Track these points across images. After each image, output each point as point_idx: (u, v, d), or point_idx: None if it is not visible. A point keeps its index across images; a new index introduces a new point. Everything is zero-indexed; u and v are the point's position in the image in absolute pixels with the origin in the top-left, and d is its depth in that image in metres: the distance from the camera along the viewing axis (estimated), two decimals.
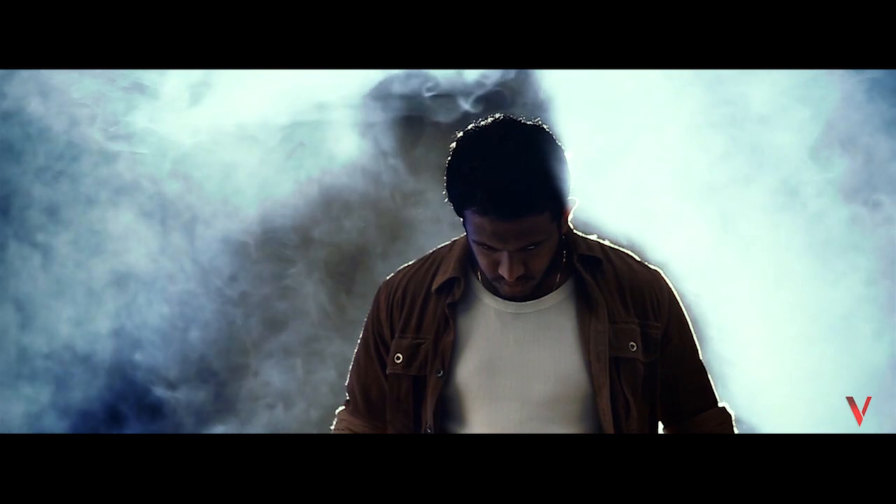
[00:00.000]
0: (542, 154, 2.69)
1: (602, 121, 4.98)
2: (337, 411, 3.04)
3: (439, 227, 5.33)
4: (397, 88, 5.20)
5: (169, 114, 4.92)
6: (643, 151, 5.03)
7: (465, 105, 5.06)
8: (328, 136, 5.34)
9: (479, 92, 5.04)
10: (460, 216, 2.75)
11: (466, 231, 2.76)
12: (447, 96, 5.16)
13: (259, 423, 5.71)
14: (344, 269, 5.79)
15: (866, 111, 4.97)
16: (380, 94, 5.19)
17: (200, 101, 4.91)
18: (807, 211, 4.96)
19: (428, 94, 5.11)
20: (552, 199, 2.68)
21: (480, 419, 2.79)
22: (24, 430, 5.25)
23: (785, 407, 4.79)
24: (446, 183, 2.74)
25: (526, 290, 2.77)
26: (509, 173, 2.65)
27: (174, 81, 4.87)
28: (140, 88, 4.88)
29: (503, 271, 2.71)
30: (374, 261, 5.68)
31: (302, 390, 5.71)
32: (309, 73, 4.67)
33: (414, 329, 2.85)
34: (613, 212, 4.72)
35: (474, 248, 2.75)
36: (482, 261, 2.75)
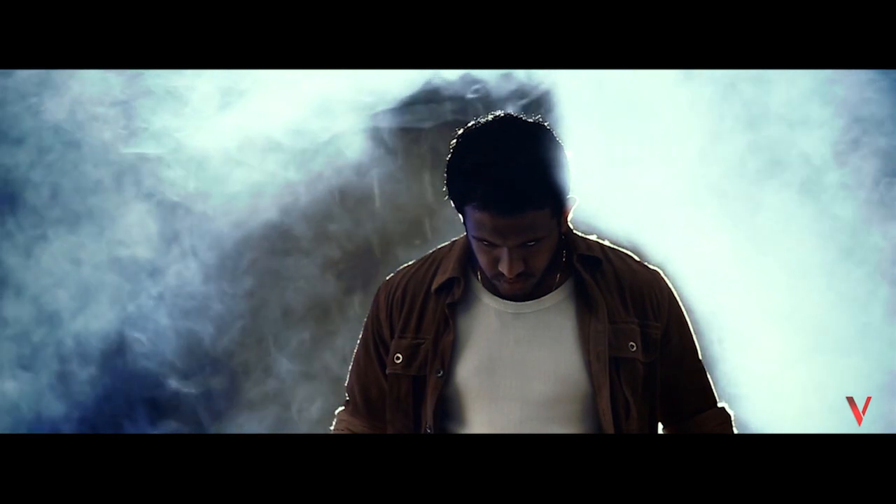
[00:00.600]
0: (543, 151, 2.70)
1: (619, 123, 4.97)
2: (336, 411, 3.04)
3: (454, 226, 5.33)
4: (416, 91, 5.21)
5: (189, 118, 4.94)
6: (660, 154, 5.01)
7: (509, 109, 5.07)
8: (343, 134, 5.35)
9: (533, 95, 5.05)
10: (460, 213, 2.76)
11: (466, 228, 2.76)
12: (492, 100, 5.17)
13: (272, 421, 5.72)
14: (360, 265, 5.79)
15: (889, 111, 4.94)
16: (390, 96, 5.20)
17: (220, 102, 4.93)
18: (826, 212, 4.93)
19: (472, 97, 5.13)
20: (552, 196, 2.69)
21: (480, 419, 2.78)
22: (26, 425, 5.27)
23: (797, 412, 4.76)
24: (447, 179, 2.75)
25: (526, 287, 2.76)
26: (510, 169, 2.65)
27: (194, 83, 4.89)
28: (152, 87, 4.90)
29: (503, 268, 2.71)
30: (390, 258, 5.68)
31: (317, 388, 5.71)
32: (322, 74, 4.68)
33: (413, 329, 2.85)
34: (626, 214, 4.71)
35: (474, 244, 2.75)
36: (482, 258, 2.75)
